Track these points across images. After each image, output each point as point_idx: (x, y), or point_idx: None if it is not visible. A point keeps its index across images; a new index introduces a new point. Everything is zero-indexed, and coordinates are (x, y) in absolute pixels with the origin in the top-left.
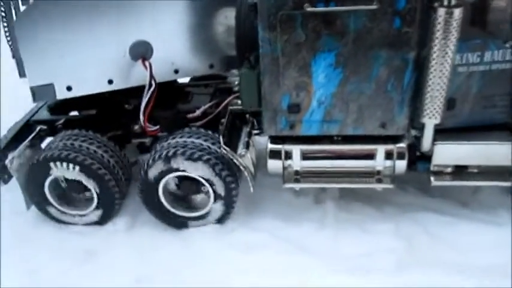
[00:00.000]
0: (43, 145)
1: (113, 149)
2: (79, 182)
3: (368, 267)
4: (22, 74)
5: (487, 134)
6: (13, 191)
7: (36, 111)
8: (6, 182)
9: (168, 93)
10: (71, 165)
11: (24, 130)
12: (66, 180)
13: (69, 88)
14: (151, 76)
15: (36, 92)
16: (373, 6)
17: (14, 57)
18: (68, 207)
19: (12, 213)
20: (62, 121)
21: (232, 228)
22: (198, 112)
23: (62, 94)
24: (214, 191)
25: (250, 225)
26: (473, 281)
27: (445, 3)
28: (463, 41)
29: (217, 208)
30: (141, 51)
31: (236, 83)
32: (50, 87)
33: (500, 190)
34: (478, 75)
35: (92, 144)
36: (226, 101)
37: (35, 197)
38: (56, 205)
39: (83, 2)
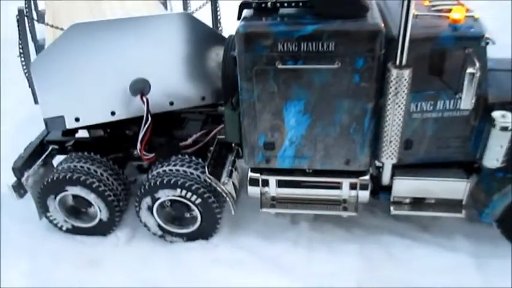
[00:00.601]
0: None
1: (114, 169)
2: (84, 198)
3: (332, 285)
4: (37, 101)
5: (443, 170)
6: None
7: (49, 132)
8: (22, 196)
9: (165, 119)
10: (79, 186)
11: (38, 149)
12: (74, 196)
13: (77, 119)
14: (148, 111)
15: (49, 123)
16: (335, 66)
17: (29, 87)
18: (75, 220)
19: (25, 221)
20: (71, 143)
21: (216, 244)
22: (189, 140)
23: (71, 124)
24: (200, 212)
25: (232, 242)
26: None
27: (397, 64)
28: (418, 92)
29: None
30: (140, 88)
31: None
32: (61, 118)
33: (454, 217)
34: (431, 121)
35: (96, 166)
36: (214, 132)
37: (45, 209)
38: (66, 218)
39: (88, 47)
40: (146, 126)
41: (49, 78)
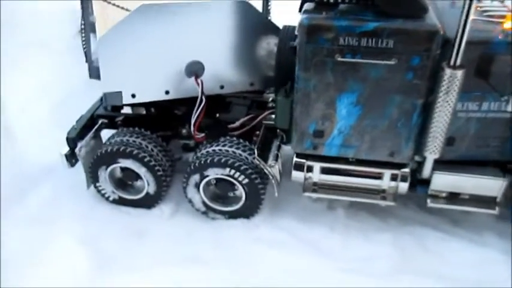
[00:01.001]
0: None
1: (163, 146)
2: (133, 171)
3: (367, 270)
4: (92, 75)
5: (481, 168)
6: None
7: (98, 106)
8: (73, 165)
9: (212, 103)
10: (131, 159)
11: (89, 123)
12: (123, 169)
13: (133, 95)
14: (202, 93)
15: (108, 97)
16: (392, 62)
17: (86, 61)
18: (123, 192)
19: (73, 189)
20: (121, 118)
21: (257, 224)
22: (237, 123)
23: (127, 100)
24: (245, 192)
25: (272, 223)
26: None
27: (451, 64)
28: (465, 92)
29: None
30: (195, 70)
31: (270, 99)
32: (119, 94)
33: (486, 214)
34: (475, 120)
35: (147, 141)
36: (261, 116)
37: (95, 179)
38: (114, 189)
39: (152, 28)
40: (200, 107)
41: (113, 55)
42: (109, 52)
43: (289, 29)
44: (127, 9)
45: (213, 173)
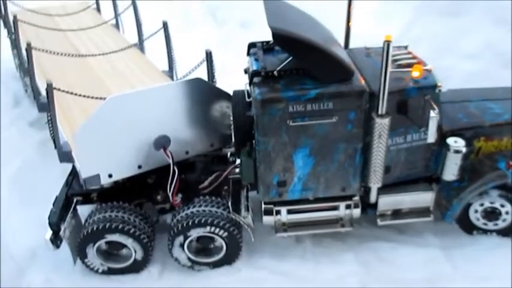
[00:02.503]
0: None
1: (142, 214)
2: (119, 243)
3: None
4: (63, 160)
5: (413, 186)
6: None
7: (70, 185)
8: (58, 247)
9: (178, 166)
10: (118, 233)
11: (65, 202)
12: (108, 242)
13: (110, 175)
14: (173, 163)
15: (87, 181)
16: (333, 120)
17: (55, 148)
18: (111, 262)
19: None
20: (96, 193)
21: (239, 268)
22: (206, 183)
23: (105, 181)
24: (225, 243)
25: (252, 264)
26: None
27: (379, 113)
28: (393, 130)
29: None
30: (162, 143)
31: (229, 154)
32: (97, 176)
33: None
34: (403, 150)
35: (128, 213)
36: (226, 172)
37: (83, 256)
38: (103, 262)
39: (120, 114)
40: (175, 177)
41: (89, 144)
42: (84, 143)
43: (239, 95)
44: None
45: (195, 233)
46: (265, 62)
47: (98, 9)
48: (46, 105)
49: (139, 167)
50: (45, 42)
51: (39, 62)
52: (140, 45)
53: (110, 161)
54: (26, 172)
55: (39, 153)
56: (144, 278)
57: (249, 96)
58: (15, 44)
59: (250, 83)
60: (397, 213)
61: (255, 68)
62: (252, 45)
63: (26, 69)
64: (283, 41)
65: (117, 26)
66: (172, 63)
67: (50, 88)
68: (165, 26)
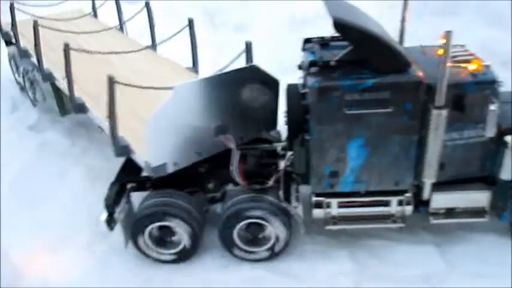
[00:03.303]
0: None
1: (196, 202)
2: (171, 229)
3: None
4: (119, 154)
5: (469, 184)
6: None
7: (122, 172)
8: (112, 228)
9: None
10: (172, 219)
11: (120, 188)
12: (160, 227)
13: (175, 164)
14: (236, 145)
15: (155, 170)
16: (389, 110)
17: (113, 144)
18: (161, 248)
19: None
20: (151, 181)
21: (235, 267)
22: (272, 181)
23: (171, 169)
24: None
25: (249, 263)
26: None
27: (436, 105)
28: (449, 124)
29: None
30: (222, 129)
31: (280, 148)
32: (164, 165)
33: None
34: (459, 147)
35: (181, 200)
36: (284, 164)
37: (134, 237)
38: (153, 247)
39: (188, 102)
40: (237, 158)
41: (158, 133)
42: (155, 132)
43: (293, 87)
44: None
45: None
46: (322, 54)
47: (95, 15)
48: (82, 106)
49: (200, 154)
50: (56, 49)
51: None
52: (153, 46)
53: (176, 150)
54: (25, 175)
55: (38, 156)
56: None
57: (303, 87)
58: (36, 50)
59: (307, 73)
60: (450, 213)
61: (307, 61)
62: (307, 41)
63: (46, 73)
64: (344, 29)
65: (121, 30)
66: (197, 59)
67: (111, 82)
68: (190, 23)
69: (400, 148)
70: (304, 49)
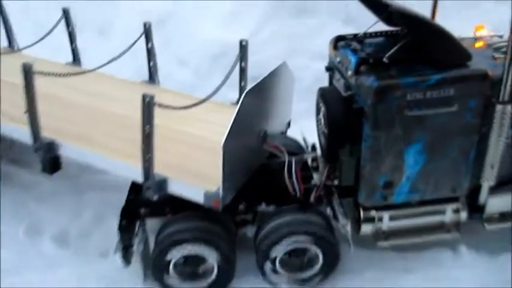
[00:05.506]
0: None
1: (225, 224)
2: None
3: None
4: None
5: None
6: None
7: (134, 196)
8: (130, 263)
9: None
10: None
11: (131, 215)
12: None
13: (236, 187)
14: (286, 152)
15: (224, 199)
16: (454, 108)
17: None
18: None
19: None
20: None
21: None
22: (312, 197)
23: (233, 194)
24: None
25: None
26: None
27: (501, 100)
28: None
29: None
30: (264, 136)
31: (310, 160)
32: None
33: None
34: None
35: (206, 222)
36: (325, 176)
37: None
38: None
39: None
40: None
41: (232, 155)
42: (229, 155)
43: (330, 90)
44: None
45: (291, 243)
46: (366, 52)
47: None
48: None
49: (249, 168)
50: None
51: None
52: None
53: (238, 169)
54: None
55: None
56: None
57: (347, 90)
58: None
59: (356, 73)
60: (503, 216)
61: (353, 59)
62: (340, 39)
63: None
64: (403, 18)
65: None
66: (156, 70)
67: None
68: (146, 27)
69: (459, 150)
70: (335, 47)
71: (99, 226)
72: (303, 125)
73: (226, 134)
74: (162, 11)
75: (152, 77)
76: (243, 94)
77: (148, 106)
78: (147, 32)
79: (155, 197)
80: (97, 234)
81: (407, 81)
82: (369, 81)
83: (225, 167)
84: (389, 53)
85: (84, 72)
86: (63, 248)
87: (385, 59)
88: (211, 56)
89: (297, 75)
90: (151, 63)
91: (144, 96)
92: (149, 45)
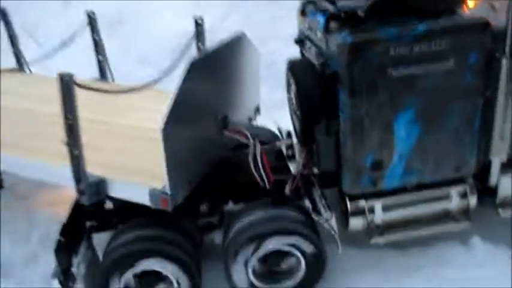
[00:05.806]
0: None
1: (187, 231)
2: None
3: None
4: None
5: None
6: None
7: (79, 209)
8: None
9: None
10: (155, 258)
11: (75, 230)
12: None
13: (189, 182)
14: (251, 138)
15: (173, 199)
16: (449, 64)
17: None
18: None
19: None
20: (116, 214)
21: None
22: (288, 188)
23: (187, 190)
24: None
25: None
26: None
27: (507, 54)
28: None
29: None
30: (223, 122)
31: (284, 147)
32: (181, 187)
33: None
34: None
35: (163, 230)
36: (299, 168)
37: None
38: None
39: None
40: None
41: (175, 143)
42: (171, 144)
43: (299, 61)
44: None
45: (271, 245)
46: (338, 9)
47: None
48: None
49: (210, 160)
50: None
51: None
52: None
53: (189, 160)
54: None
55: None
56: None
57: (319, 57)
58: None
59: (326, 31)
60: None
61: (322, 19)
62: (306, 4)
63: None
64: None
65: None
66: (106, 66)
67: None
68: (90, 18)
69: (461, 119)
70: (303, 13)
71: (47, 248)
72: (278, 115)
73: (166, 115)
74: (119, 11)
75: (103, 72)
76: (186, 66)
77: (67, 86)
78: (92, 23)
79: (89, 203)
80: (45, 258)
81: (389, 33)
82: (341, 37)
83: (168, 156)
84: (366, 4)
85: None
86: (4, 281)
87: (360, 12)
88: (173, 49)
89: (271, 59)
90: (100, 57)
91: (61, 76)
92: (95, 36)
